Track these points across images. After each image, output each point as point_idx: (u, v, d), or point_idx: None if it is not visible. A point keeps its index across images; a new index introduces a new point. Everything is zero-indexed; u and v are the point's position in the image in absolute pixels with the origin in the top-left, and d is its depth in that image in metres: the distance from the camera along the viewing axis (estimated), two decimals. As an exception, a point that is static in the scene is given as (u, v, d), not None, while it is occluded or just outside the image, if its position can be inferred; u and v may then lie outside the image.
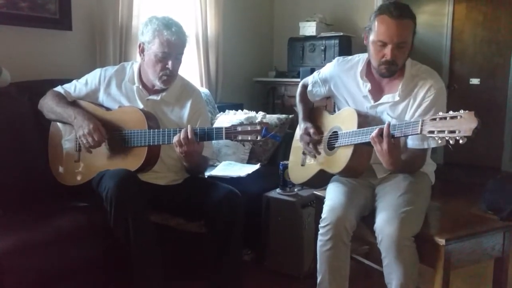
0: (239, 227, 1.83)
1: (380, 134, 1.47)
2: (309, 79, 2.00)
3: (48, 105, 1.93)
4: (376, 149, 1.50)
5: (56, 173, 1.96)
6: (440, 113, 1.34)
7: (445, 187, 3.89)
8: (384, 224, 1.52)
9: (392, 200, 1.61)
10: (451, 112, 1.31)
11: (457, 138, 1.27)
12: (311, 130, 1.82)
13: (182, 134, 1.67)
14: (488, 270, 1.77)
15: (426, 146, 1.60)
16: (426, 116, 1.57)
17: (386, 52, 1.60)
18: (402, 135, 1.45)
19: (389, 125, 1.45)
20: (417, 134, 1.41)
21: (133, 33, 2.66)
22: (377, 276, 1.77)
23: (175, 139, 1.68)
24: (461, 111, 1.29)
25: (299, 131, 1.94)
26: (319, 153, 1.82)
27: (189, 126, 1.69)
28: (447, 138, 1.30)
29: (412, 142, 1.62)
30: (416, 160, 1.64)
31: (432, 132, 1.34)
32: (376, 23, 1.61)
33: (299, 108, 2.00)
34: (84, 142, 1.78)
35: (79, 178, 1.89)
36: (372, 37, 1.63)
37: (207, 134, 1.70)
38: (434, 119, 1.34)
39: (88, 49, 2.58)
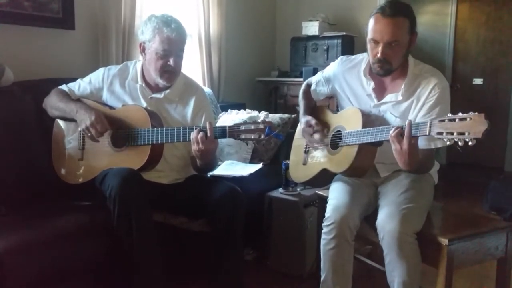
0: (241, 224, 1.82)
1: (401, 133, 1.45)
2: (313, 79, 2.01)
3: (51, 102, 1.94)
4: (395, 148, 1.47)
5: (59, 172, 1.96)
6: (449, 115, 1.33)
7: (448, 187, 3.89)
8: (386, 220, 1.52)
9: (393, 198, 1.61)
10: (460, 114, 1.30)
11: (467, 140, 1.26)
12: (313, 121, 1.82)
13: (200, 133, 1.65)
14: (491, 271, 1.76)
15: (433, 146, 1.59)
16: (430, 114, 1.58)
17: (378, 50, 1.60)
18: (418, 135, 1.43)
19: (410, 124, 1.42)
20: (425, 135, 1.40)
21: (136, 32, 2.65)
22: (379, 276, 1.77)
23: (192, 135, 1.68)
24: (471, 113, 1.28)
25: (300, 128, 1.94)
26: (326, 144, 1.81)
27: (208, 123, 1.68)
28: (456, 140, 1.29)
29: (419, 142, 1.61)
30: (426, 160, 1.63)
31: (440, 133, 1.33)
32: (370, 21, 1.63)
33: (300, 105, 2.00)
34: (89, 134, 1.80)
35: (82, 176, 1.89)
36: (368, 36, 1.65)
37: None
38: (443, 121, 1.33)
39: (91, 48, 2.59)
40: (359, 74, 1.77)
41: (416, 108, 1.64)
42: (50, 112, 1.96)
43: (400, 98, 1.67)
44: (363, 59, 1.79)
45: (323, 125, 1.86)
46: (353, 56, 1.86)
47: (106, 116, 1.86)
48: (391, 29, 1.57)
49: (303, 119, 1.88)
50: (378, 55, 1.60)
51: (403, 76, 1.68)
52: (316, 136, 1.80)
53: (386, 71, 1.65)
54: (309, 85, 2.03)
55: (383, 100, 1.71)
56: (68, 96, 1.94)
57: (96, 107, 1.92)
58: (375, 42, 1.61)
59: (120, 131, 1.84)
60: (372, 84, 1.73)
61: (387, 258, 1.53)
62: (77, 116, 1.83)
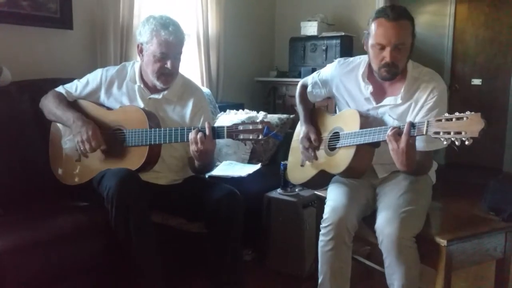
0: (239, 227, 1.82)
1: (398, 133, 1.45)
2: (309, 80, 1.99)
3: (48, 106, 1.92)
4: (392, 148, 1.47)
5: (56, 172, 1.95)
6: (446, 114, 1.33)
7: (447, 187, 3.88)
8: (385, 224, 1.52)
9: (392, 200, 1.60)
10: (457, 114, 1.30)
11: (463, 139, 1.26)
12: (312, 136, 1.81)
13: (198, 134, 1.65)
14: (490, 271, 1.76)
15: (431, 149, 1.59)
16: (428, 117, 1.57)
17: (385, 54, 1.60)
18: (415, 135, 1.43)
19: (410, 123, 1.43)
20: (422, 135, 1.40)
21: (134, 32, 2.64)
22: (378, 277, 1.77)
23: (191, 136, 1.67)
24: (467, 113, 1.28)
25: (299, 132, 1.93)
26: (316, 159, 1.81)
27: (207, 123, 1.67)
28: (452, 139, 1.29)
29: (417, 144, 1.61)
30: (424, 162, 1.63)
31: (437, 133, 1.33)
32: (373, 26, 1.62)
33: (299, 110, 1.99)
34: (82, 148, 1.78)
35: (79, 177, 1.89)
36: (371, 41, 1.63)
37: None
38: (440, 120, 1.34)
39: (89, 48, 2.58)
40: (357, 78, 1.76)
41: (415, 111, 1.64)
42: (46, 115, 1.95)
43: (399, 101, 1.67)
44: (361, 63, 1.78)
45: (321, 127, 1.86)
46: (351, 59, 1.85)
47: (103, 117, 1.86)
48: (397, 32, 1.57)
49: (305, 128, 1.87)
50: (387, 59, 1.59)
51: (402, 79, 1.68)
52: (310, 152, 1.81)
53: (393, 75, 1.64)
54: (304, 87, 2.01)
55: (382, 103, 1.71)
56: (65, 101, 1.92)
57: (94, 108, 1.92)
58: (381, 47, 1.60)
59: (117, 132, 1.83)
60: (370, 88, 1.72)
61: (387, 261, 1.53)
62: (73, 126, 1.81)
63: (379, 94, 1.73)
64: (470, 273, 2.24)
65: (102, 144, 1.79)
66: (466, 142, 1.27)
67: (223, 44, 3.37)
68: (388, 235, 1.49)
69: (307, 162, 1.91)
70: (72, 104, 1.94)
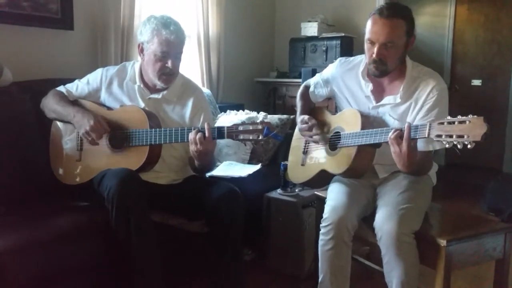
0: (239, 226, 1.82)
1: (400, 136, 1.45)
2: (311, 81, 2.01)
3: (49, 104, 1.93)
4: (394, 150, 1.47)
5: (57, 172, 1.96)
6: (448, 117, 1.33)
7: (447, 188, 3.89)
8: (383, 220, 1.52)
9: (392, 198, 1.61)
10: (459, 117, 1.30)
11: (466, 142, 1.27)
12: (306, 117, 1.82)
13: (198, 134, 1.65)
14: (489, 272, 1.76)
15: (431, 149, 1.59)
16: (428, 116, 1.58)
17: (373, 51, 1.61)
18: (417, 137, 1.44)
19: (409, 127, 1.43)
20: (424, 137, 1.40)
21: (135, 33, 2.65)
22: (378, 277, 1.77)
23: (191, 136, 1.68)
24: (470, 116, 1.28)
25: (297, 129, 1.94)
26: (326, 136, 1.80)
27: (206, 124, 1.68)
28: (455, 143, 1.29)
29: (417, 144, 1.61)
30: (424, 162, 1.63)
31: (439, 136, 1.33)
32: (368, 22, 1.64)
33: (298, 105, 2.00)
34: (89, 139, 1.79)
35: (80, 177, 1.89)
36: (365, 36, 1.65)
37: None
38: (442, 123, 1.34)
39: (90, 48, 2.59)
40: (357, 75, 1.77)
41: (415, 110, 1.65)
42: (47, 114, 1.96)
43: (398, 100, 1.67)
44: (361, 61, 1.79)
45: (322, 127, 1.86)
46: (352, 58, 1.86)
47: (104, 118, 1.86)
48: (387, 30, 1.58)
49: (299, 119, 1.89)
50: (374, 55, 1.61)
51: (401, 78, 1.68)
52: (314, 131, 1.80)
53: (382, 72, 1.65)
54: (307, 87, 2.02)
55: (382, 102, 1.72)
56: (65, 98, 1.94)
57: (94, 108, 1.92)
58: (372, 42, 1.62)
59: (118, 132, 1.84)
60: (370, 86, 1.73)
61: (385, 258, 1.53)
62: (74, 120, 1.83)
63: (378, 92, 1.73)
64: (470, 274, 2.24)
65: (107, 129, 1.80)
66: (469, 146, 1.27)
67: (223, 45, 3.38)
68: (387, 231, 1.49)
69: (308, 161, 1.92)
70: (73, 103, 1.94)
